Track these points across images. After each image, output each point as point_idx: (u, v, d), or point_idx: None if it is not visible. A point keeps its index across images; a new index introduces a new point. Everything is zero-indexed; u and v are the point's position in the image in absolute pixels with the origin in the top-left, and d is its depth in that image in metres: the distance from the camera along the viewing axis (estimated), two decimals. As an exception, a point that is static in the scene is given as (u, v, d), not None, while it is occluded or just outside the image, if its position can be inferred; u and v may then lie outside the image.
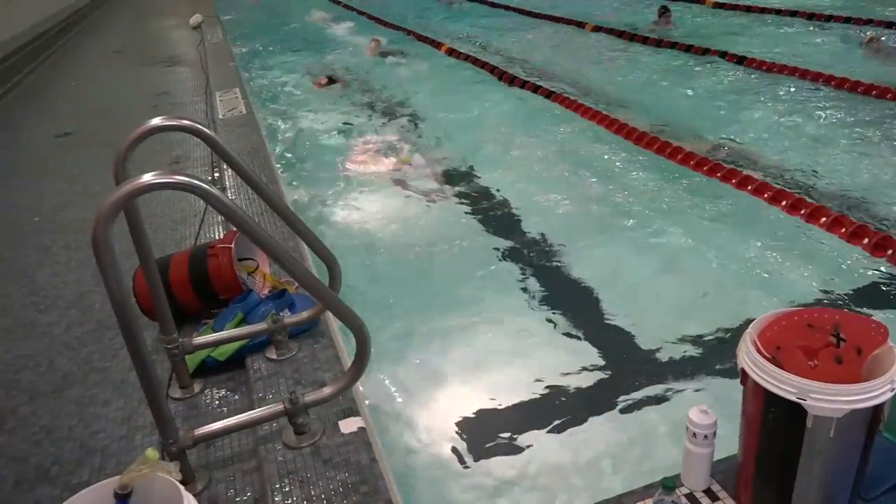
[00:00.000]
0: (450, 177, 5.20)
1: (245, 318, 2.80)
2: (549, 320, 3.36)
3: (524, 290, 3.66)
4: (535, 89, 7.00)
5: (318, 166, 5.59)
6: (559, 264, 3.89)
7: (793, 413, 1.61)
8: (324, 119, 6.72)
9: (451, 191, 4.95)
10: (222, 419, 2.19)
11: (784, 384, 1.60)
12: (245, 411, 2.31)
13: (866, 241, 3.64)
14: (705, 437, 1.87)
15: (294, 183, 5.18)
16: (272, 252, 2.02)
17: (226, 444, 2.34)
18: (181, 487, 1.61)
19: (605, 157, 5.38)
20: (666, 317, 3.30)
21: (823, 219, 3.90)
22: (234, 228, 3.00)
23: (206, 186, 1.85)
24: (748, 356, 1.70)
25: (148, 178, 1.80)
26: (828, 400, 1.56)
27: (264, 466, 2.16)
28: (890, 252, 3.53)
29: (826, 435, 1.61)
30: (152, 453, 1.64)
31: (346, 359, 2.67)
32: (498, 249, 4.08)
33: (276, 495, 2.04)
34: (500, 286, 3.69)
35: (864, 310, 3.17)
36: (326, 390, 2.26)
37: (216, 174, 4.78)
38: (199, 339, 2.57)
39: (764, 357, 1.67)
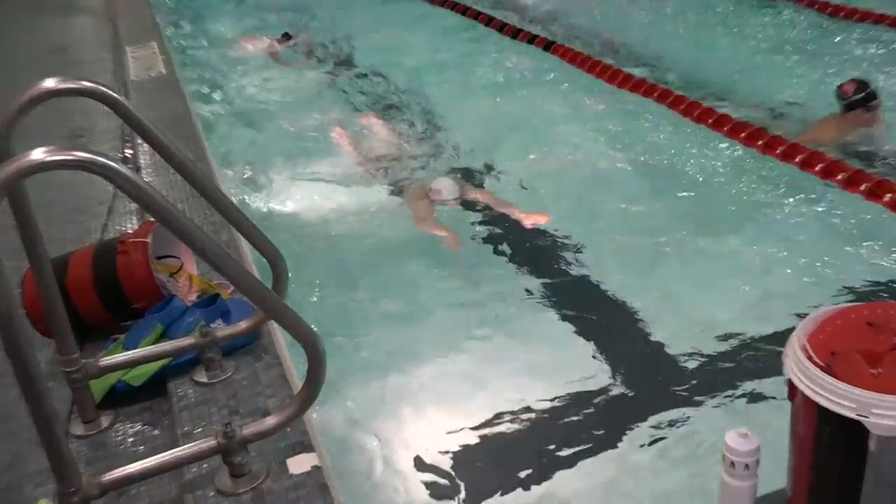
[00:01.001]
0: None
1: (166, 332, 2.80)
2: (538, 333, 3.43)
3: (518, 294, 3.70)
4: (532, 39, 7.11)
5: (260, 142, 5.58)
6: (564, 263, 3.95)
7: (853, 433, 1.63)
8: (268, 81, 6.71)
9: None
10: (138, 460, 2.18)
11: (841, 398, 1.62)
12: (167, 449, 2.31)
13: None
14: (746, 466, 1.89)
15: (228, 162, 5.18)
16: (200, 247, 2.02)
17: (143, 493, 2.33)
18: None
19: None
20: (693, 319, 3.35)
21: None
22: (151, 218, 3.03)
23: (114, 165, 1.83)
24: (797, 365, 1.72)
25: (38, 154, 1.77)
26: (894, 415, 1.59)
27: (192, 519, 2.17)
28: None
29: (894, 459, 1.64)
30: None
31: (295, 380, 2.68)
32: (499, 255, 4.12)
33: (207, 555, 2.04)
34: (490, 293, 3.73)
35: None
36: (270, 420, 2.26)
37: (128, 151, 4.76)
38: (108, 360, 2.55)
39: (816, 365, 1.70)
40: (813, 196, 4.31)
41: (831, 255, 3.74)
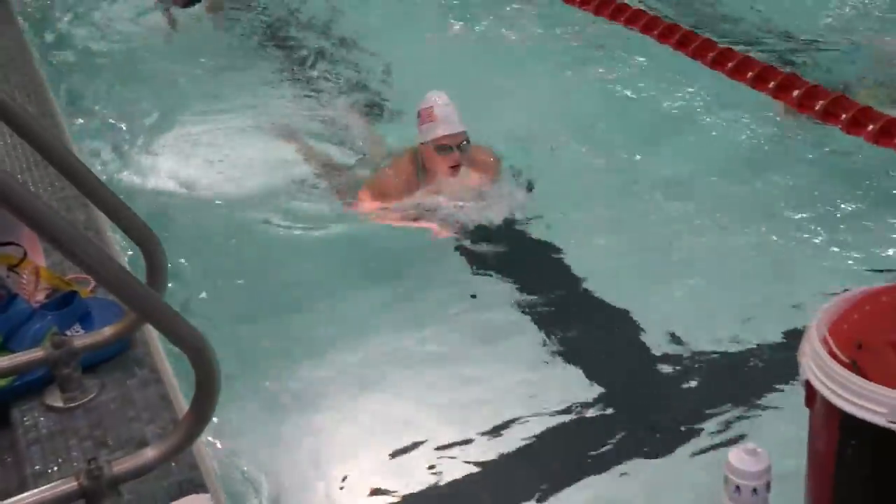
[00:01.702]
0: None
1: (6, 343, 2.71)
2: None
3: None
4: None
5: (130, 94, 5.46)
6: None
7: (884, 444, 1.67)
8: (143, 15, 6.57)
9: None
10: (-26, 511, 2.12)
11: (870, 401, 1.66)
12: (14, 495, 2.24)
13: None
14: (754, 490, 1.93)
15: (84, 119, 5.04)
16: (49, 229, 1.94)
17: (-18, 553, 2.26)
18: None
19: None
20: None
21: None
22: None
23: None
24: (816, 363, 1.75)
25: None
26: (936, 423, 1.62)
27: (51, 585, 2.10)
28: None
29: (934, 476, 1.68)
30: None
31: (180, 401, 2.63)
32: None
33: None
34: (425, 283, 3.74)
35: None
36: (148, 453, 2.20)
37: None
38: (-70, 381, 2.46)
39: (839, 362, 1.73)
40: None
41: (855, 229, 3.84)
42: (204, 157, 4.75)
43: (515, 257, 4.07)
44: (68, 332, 2.68)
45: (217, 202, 4.40)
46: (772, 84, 4.88)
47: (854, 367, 1.72)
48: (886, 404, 1.64)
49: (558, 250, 4.07)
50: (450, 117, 4.46)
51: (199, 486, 2.32)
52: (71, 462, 2.41)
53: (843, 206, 4.07)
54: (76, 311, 2.82)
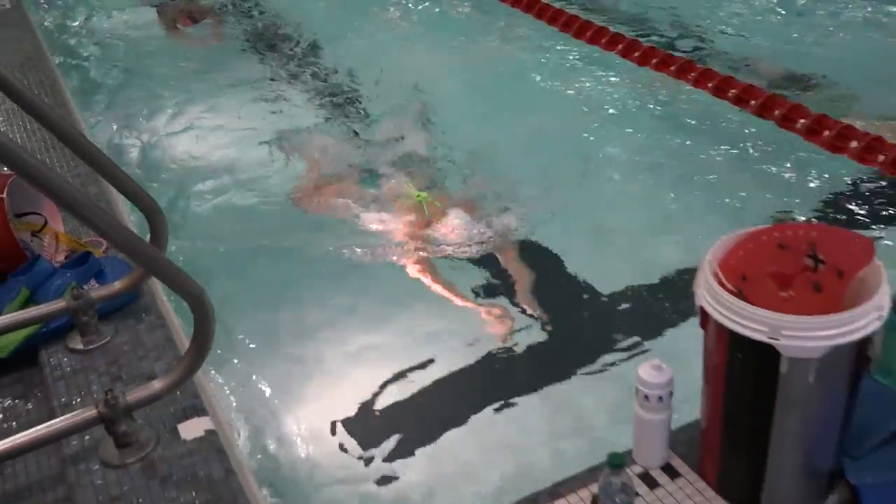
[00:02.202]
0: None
1: (33, 296, 2.69)
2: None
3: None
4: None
5: (131, 78, 5.34)
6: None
7: (764, 357, 1.71)
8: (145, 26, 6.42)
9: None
10: (9, 437, 2.10)
11: (752, 322, 1.69)
12: (36, 415, 2.24)
13: (854, 144, 3.88)
14: (660, 398, 1.96)
15: (94, 110, 4.95)
16: (67, 200, 1.92)
17: (19, 471, 2.26)
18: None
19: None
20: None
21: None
22: (7, 171, 2.88)
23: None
24: (708, 291, 1.78)
25: None
26: (805, 336, 1.66)
27: (76, 495, 2.11)
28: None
29: (804, 381, 1.72)
30: None
31: (183, 341, 2.62)
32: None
33: (96, 532, 2.00)
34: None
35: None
36: (156, 384, 2.21)
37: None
38: (-33, 330, 2.44)
39: (727, 290, 1.76)
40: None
41: (741, 182, 3.87)
42: (205, 144, 4.67)
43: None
44: (85, 287, 2.66)
45: (219, 171, 4.33)
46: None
47: (739, 294, 1.75)
48: (766, 323, 1.67)
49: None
50: None
51: (200, 411, 2.33)
52: (91, 395, 2.41)
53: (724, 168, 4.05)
54: (91, 269, 2.80)
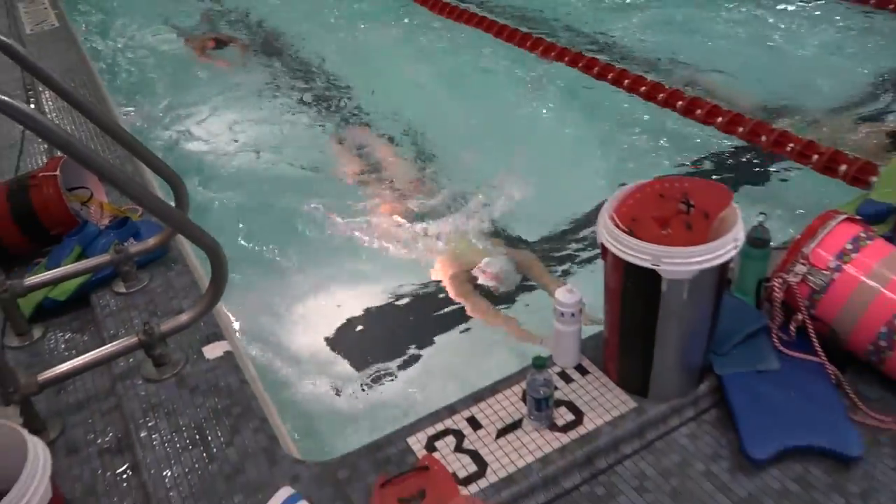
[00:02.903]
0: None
1: (84, 252, 2.66)
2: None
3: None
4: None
5: (159, 84, 5.23)
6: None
7: (649, 280, 1.76)
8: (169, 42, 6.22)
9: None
10: (69, 360, 2.11)
11: (640, 253, 1.74)
12: (92, 343, 2.24)
13: (699, 111, 3.94)
14: (572, 314, 2.01)
15: (129, 107, 4.84)
16: (107, 174, 1.91)
17: (78, 388, 2.26)
18: (23, 431, 1.55)
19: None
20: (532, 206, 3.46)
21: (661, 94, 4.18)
22: (60, 155, 2.84)
23: (19, 105, 1.71)
24: (606, 230, 1.83)
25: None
26: (679, 263, 1.72)
27: (124, 403, 2.12)
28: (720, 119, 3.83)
29: (680, 297, 1.78)
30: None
31: (204, 284, 2.61)
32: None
33: (141, 431, 2.01)
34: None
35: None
36: (184, 317, 2.21)
37: (31, 100, 4.38)
38: (32, 280, 2.41)
39: (621, 230, 1.81)
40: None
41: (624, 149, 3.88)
42: (216, 126, 4.58)
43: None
44: (125, 244, 2.64)
45: (232, 152, 4.27)
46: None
47: (630, 233, 1.80)
48: (651, 254, 1.72)
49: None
50: None
51: (219, 337, 2.34)
52: (133, 327, 2.40)
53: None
54: (130, 230, 2.77)
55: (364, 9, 6.32)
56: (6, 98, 1.69)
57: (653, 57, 4.92)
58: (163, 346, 2.19)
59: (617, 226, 1.82)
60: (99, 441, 2.08)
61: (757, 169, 3.61)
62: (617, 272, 1.85)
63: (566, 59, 4.79)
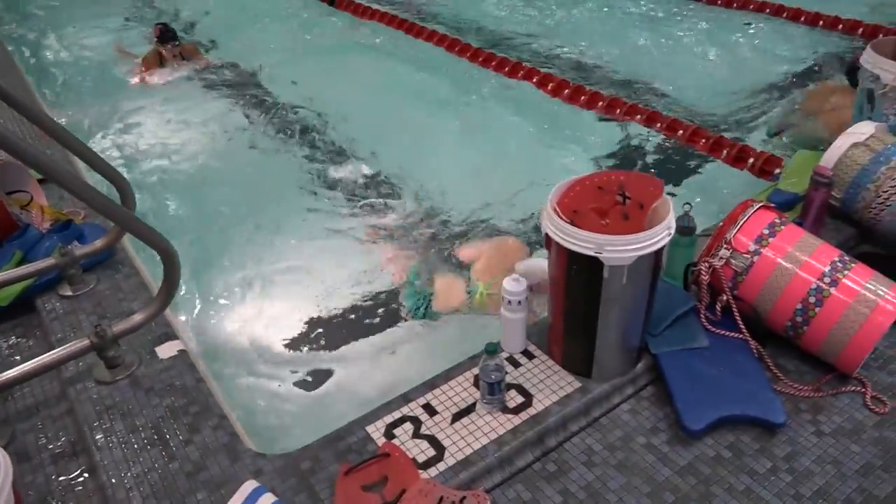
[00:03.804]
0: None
1: (25, 258, 2.53)
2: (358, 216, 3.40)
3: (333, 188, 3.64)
4: None
5: (89, 81, 4.97)
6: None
7: (592, 267, 1.79)
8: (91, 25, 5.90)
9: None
10: (16, 366, 1.99)
11: (582, 241, 1.77)
12: (38, 349, 2.13)
13: (638, 116, 4.06)
14: (519, 303, 2.04)
15: (58, 104, 4.59)
16: (51, 173, 1.82)
17: (27, 394, 2.15)
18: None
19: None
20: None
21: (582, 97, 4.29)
22: (-5, 157, 2.67)
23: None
24: (550, 222, 1.85)
25: None
26: (618, 250, 1.76)
27: (77, 407, 2.03)
28: (659, 125, 3.97)
29: (619, 282, 1.82)
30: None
31: (153, 285, 2.53)
32: (306, 159, 3.99)
33: (96, 433, 1.93)
34: (304, 192, 3.63)
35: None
36: (137, 317, 2.13)
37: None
38: (-29, 286, 2.28)
39: (563, 220, 1.84)
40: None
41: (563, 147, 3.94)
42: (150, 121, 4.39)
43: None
44: (70, 247, 2.52)
45: (171, 150, 4.12)
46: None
47: (572, 223, 1.83)
48: (592, 242, 1.76)
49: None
50: None
51: (172, 337, 2.27)
52: (82, 330, 2.30)
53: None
54: (73, 233, 2.65)
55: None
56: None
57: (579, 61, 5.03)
58: (115, 347, 2.11)
59: (560, 217, 1.84)
60: (51, 446, 1.98)
61: (680, 162, 3.71)
62: (561, 261, 1.88)
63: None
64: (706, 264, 2.15)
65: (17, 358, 2.29)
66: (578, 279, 1.88)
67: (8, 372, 1.96)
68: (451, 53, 5.16)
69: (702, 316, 2.17)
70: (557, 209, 1.87)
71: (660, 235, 1.79)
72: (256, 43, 5.67)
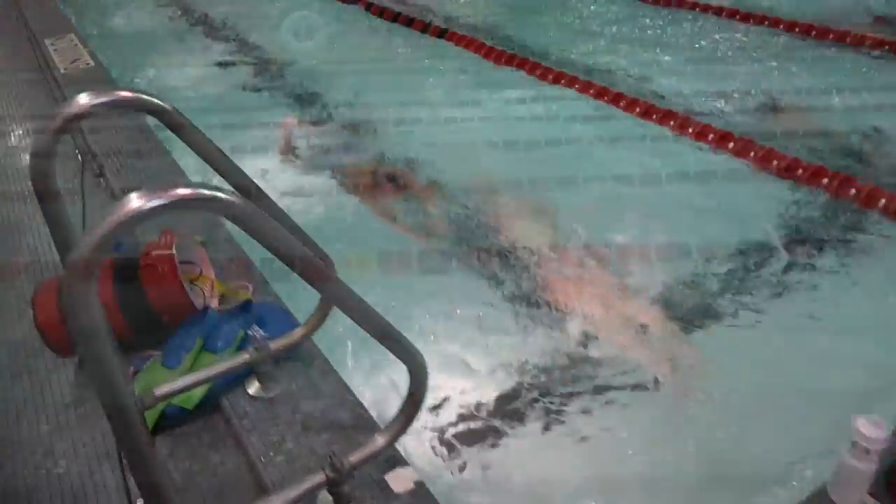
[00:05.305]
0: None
1: (205, 343, 2.09)
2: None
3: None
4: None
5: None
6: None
7: None
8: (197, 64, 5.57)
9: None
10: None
11: None
12: (233, 466, 1.69)
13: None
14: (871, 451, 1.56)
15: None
16: (283, 254, 1.38)
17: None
18: None
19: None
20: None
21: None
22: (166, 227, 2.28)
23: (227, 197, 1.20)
24: None
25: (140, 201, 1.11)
26: None
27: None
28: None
29: None
30: None
31: (354, 386, 2.07)
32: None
33: None
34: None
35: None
36: (379, 440, 1.68)
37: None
38: (163, 389, 1.80)
39: None
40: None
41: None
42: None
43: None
44: (248, 332, 2.08)
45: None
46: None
47: None
48: None
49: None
50: None
51: (400, 462, 1.79)
52: (285, 444, 1.85)
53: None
54: (254, 315, 2.22)
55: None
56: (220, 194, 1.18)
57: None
58: (350, 480, 1.64)
59: None
60: None
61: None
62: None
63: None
64: None
65: (213, 480, 1.82)
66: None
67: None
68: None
69: None
70: None
71: None
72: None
